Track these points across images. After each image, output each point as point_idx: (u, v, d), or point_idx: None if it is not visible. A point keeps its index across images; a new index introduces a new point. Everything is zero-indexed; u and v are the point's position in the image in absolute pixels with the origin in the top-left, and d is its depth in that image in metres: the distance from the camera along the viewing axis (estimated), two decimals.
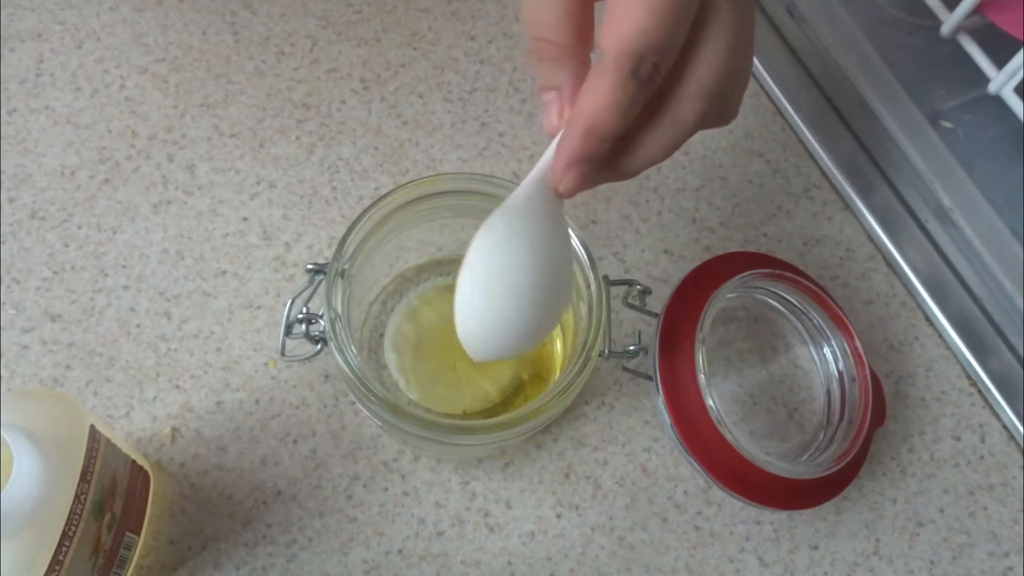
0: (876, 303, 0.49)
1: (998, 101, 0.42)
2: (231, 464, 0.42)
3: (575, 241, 0.38)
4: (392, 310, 0.45)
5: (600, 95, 0.26)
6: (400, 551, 0.41)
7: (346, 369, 0.35)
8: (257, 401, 0.43)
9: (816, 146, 0.52)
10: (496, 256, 0.30)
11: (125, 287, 0.45)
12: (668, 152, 0.29)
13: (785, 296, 0.45)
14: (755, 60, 0.54)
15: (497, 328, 0.31)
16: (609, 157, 0.29)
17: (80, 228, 0.46)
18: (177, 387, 0.43)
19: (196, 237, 0.47)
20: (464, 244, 0.30)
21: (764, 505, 0.40)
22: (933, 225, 0.48)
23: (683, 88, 0.27)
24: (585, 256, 0.37)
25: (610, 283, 0.38)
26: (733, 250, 0.48)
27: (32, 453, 0.30)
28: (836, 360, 0.44)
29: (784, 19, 0.53)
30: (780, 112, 0.54)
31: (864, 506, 0.44)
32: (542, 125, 0.29)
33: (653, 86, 0.27)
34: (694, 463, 0.39)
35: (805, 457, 0.43)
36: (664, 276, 0.48)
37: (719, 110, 0.29)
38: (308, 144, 0.50)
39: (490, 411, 0.43)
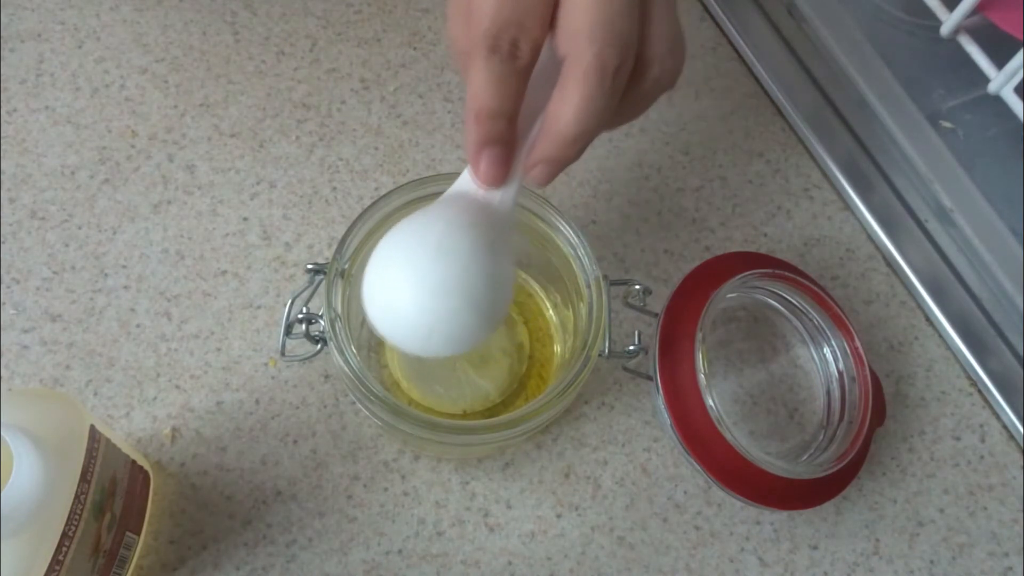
0: (876, 303, 0.49)
1: (998, 101, 0.42)
2: (231, 464, 0.42)
3: (574, 240, 0.38)
4: None
5: (473, 79, 0.28)
6: (400, 551, 0.41)
7: (346, 369, 0.35)
8: (257, 401, 0.43)
9: (816, 146, 0.52)
10: (401, 242, 0.30)
11: (125, 287, 0.45)
12: (582, 107, 0.27)
13: (785, 296, 0.45)
14: (755, 60, 0.54)
15: (403, 318, 0.30)
16: (542, 129, 0.29)
17: (80, 228, 0.46)
18: (177, 387, 0.43)
19: (196, 237, 0.47)
20: None
21: (764, 505, 0.40)
22: (933, 225, 0.48)
23: (567, 39, 0.27)
24: (585, 256, 0.37)
25: (610, 283, 0.38)
26: (733, 250, 0.48)
27: (32, 453, 0.30)
28: (836, 360, 0.44)
29: (784, 19, 0.53)
30: (780, 112, 0.54)
31: (864, 506, 0.44)
32: None
33: (523, 58, 0.28)
34: (694, 463, 0.39)
35: (805, 457, 0.43)
36: (664, 276, 0.48)
37: (619, 49, 0.27)
38: (308, 144, 0.50)
39: (490, 411, 0.43)
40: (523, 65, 0.28)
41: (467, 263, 0.30)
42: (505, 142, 0.29)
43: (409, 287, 0.30)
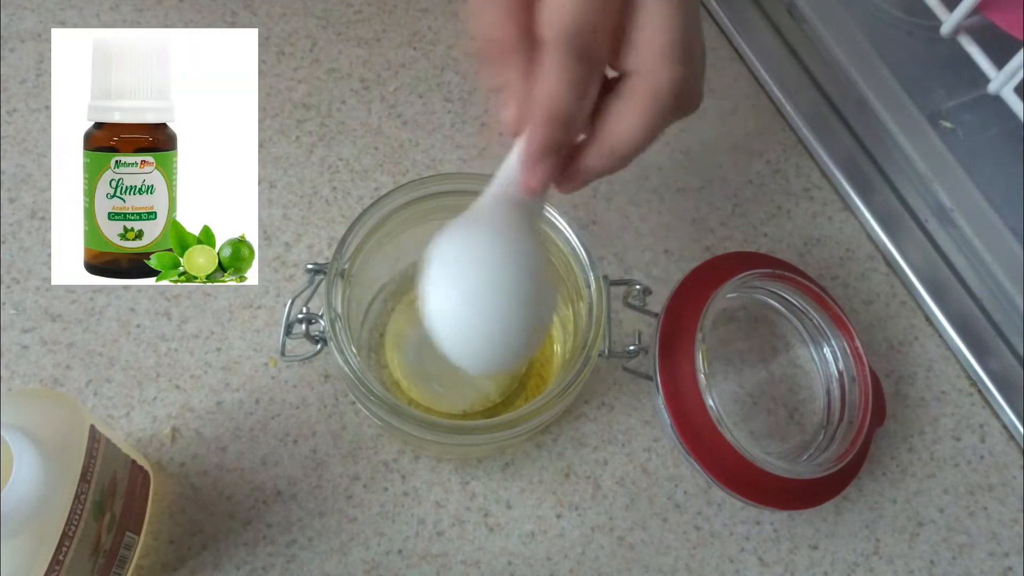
0: (876, 303, 0.49)
1: (998, 101, 0.42)
2: (231, 464, 0.42)
3: (574, 240, 0.38)
4: (392, 310, 0.45)
5: (547, 80, 0.26)
6: (400, 551, 0.41)
7: (346, 369, 0.35)
8: (257, 401, 0.43)
9: (816, 146, 0.52)
10: (468, 265, 0.29)
11: (125, 287, 0.45)
12: (648, 126, 0.27)
13: (785, 296, 0.45)
14: (755, 60, 0.54)
15: (481, 341, 0.30)
16: (591, 140, 0.28)
17: None
18: (177, 387, 0.43)
19: None
20: None
21: (764, 505, 0.40)
22: (933, 225, 0.48)
23: (642, 57, 0.27)
24: (585, 256, 0.37)
25: (610, 283, 0.38)
26: (733, 250, 0.48)
27: (32, 453, 0.30)
28: (836, 360, 0.44)
29: (784, 19, 0.53)
30: (780, 112, 0.54)
31: (864, 506, 0.44)
32: (501, 125, 0.29)
33: (596, 61, 0.27)
34: (694, 463, 0.39)
35: (805, 457, 0.43)
36: (664, 276, 0.48)
37: (694, 72, 0.27)
38: (308, 144, 0.50)
39: (490, 411, 0.43)
40: (602, 71, 0.27)
41: (541, 283, 0.30)
42: (564, 151, 0.28)
43: (485, 306, 0.29)
